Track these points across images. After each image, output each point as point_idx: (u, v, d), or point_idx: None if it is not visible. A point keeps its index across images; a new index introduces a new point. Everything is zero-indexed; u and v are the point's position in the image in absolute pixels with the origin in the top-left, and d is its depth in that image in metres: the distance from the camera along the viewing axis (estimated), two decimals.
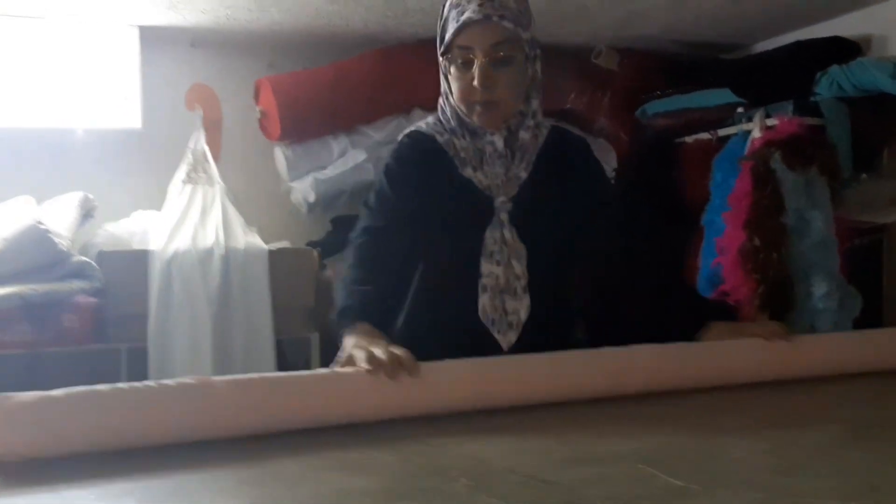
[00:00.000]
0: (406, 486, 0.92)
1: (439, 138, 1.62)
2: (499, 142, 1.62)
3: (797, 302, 2.85)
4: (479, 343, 1.57)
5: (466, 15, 1.53)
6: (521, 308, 1.60)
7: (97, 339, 3.02)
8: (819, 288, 2.81)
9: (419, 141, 1.64)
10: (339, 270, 1.61)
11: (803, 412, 1.37)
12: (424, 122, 1.67)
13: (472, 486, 0.90)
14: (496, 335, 1.59)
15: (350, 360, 1.31)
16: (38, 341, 2.87)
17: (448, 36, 1.56)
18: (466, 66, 1.56)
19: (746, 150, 3.10)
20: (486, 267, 1.59)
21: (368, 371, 1.25)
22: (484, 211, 1.60)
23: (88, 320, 2.98)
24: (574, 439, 1.16)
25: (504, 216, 1.60)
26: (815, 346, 1.68)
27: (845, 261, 2.89)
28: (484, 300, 1.59)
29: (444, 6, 1.59)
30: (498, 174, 1.62)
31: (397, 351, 1.29)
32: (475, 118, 1.60)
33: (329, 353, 3.39)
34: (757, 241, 2.82)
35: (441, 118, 1.65)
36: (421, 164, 1.61)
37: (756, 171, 2.90)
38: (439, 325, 1.59)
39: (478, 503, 0.85)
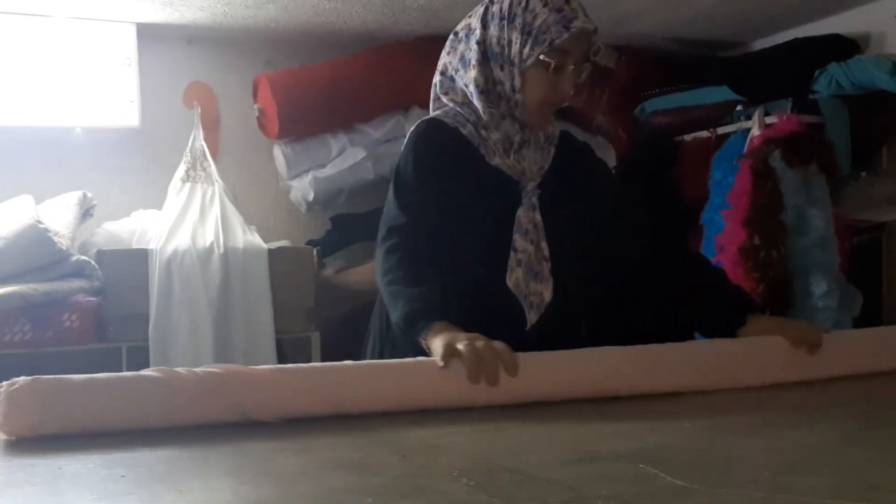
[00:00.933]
0: (406, 486, 0.92)
1: (462, 129, 1.65)
2: (539, 135, 1.71)
3: (797, 300, 2.85)
4: (507, 317, 1.61)
5: (578, 24, 1.60)
6: (545, 290, 1.64)
7: (98, 338, 3.02)
8: (818, 286, 2.81)
9: (442, 131, 1.65)
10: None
11: (803, 412, 1.37)
12: (443, 113, 1.68)
13: (473, 485, 0.90)
14: (526, 310, 1.62)
15: (453, 351, 1.33)
16: (39, 341, 2.87)
17: (552, 38, 1.60)
18: (558, 69, 1.62)
19: (745, 148, 3.10)
20: (520, 243, 1.63)
21: (470, 378, 1.30)
22: (512, 195, 1.64)
23: (89, 319, 2.98)
24: (574, 439, 1.16)
25: (535, 200, 1.65)
26: (836, 347, 1.65)
27: (845, 259, 2.89)
28: (518, 274, 1.62)
29: (523, 3, 1.62)
30: (532, 160, 1.68)
31: (497, 345, 1.34)
32: (537, 117, 1.67)
33: (329, 351, 3.39)
34: (756, 240, 2.83)
35: (468, 109, 1.66)
36: (447, 152, 1.63)
37: (755, 168, 2.91)
38: (470, 298, 1.60)
39: (478, 502, 0.85)
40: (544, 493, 0.87)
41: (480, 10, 1.67)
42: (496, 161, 1.64)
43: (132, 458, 1.08)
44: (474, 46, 1.64)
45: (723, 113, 3.42)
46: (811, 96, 3.20)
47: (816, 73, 3.20)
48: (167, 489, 0.94)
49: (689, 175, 3.45)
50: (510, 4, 1.62)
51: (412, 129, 1.70)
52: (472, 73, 1.64)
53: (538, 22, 1.60)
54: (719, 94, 3.44)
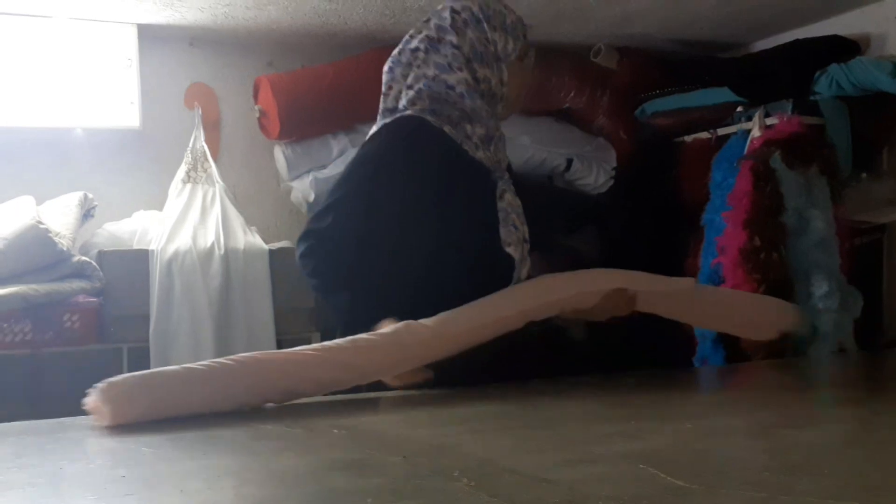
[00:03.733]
0: (407, 486, 0.92)
1: (447, 129, 1.71)
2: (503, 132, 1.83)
3: (797, 301, 2.84)
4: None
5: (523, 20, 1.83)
6: (524, 270, 1.75)
7: (98, 338, 3.02)
8: (819, 288, 2.81)
9: (429, 131, 1.70)
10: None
11: (803, 412, 1.37)
12: (427, 113, 1.72)
13: (473, 485, 0.90)
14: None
15: None
16: (40, 341, 2.87)
17: (522, 32, 1.81)
18: (528, 57, 1.84)
19: (746, 150, 3.10)
20: (517, 222, 1.74)
21: None
22: (491, 184, 1.74)
23: (89, 320, 2.97)
24: (574, 439, 1.16)
25: (512, 187, 1.78)
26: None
27: (846, 260, 2.89)
28: (520, 250, 1.72)
29: (489, 6, 1.79)
30: (503, 154, 1.82)
31: None
32: (511, 108, 1.84)
33: None
34: (757, 241, 2.82)
35: (461, 107, 1.73)
36: (434, 151, 1.69)
37: (756, 170, 2.90)
38: (474, 280, 1.67)
39: (479, 503, 0.85)
40: (544, 493, 0.87)
41: (444, 19, 1.77)
42: (479, 154, 1.73)
43: (132, 458, 1.08)
44: (452, 51, 1.74)
45: (723, 114, 3.42)
46: (812, 98, 3.20)
47: (817, 74, 3.19)
48: (168, 489, 0.94)
49: (690, 176, 3.45)
50: (480, 8, 1.77)
51: (396, 128, 1.73)
52: (460, 74, 1.74)
53: (508, 20, 1.79)
54: (720, 95, 3.44)
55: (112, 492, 0.92)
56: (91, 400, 1.26)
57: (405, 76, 1.77)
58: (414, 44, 1.78)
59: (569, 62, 3.75)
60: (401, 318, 1.54)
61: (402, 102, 1.76)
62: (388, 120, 1.75)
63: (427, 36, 1.77)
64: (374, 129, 1.79)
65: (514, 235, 1.71)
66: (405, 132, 1.70)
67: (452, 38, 1.74)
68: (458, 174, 1.70)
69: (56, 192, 3.26)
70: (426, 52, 1.76)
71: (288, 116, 3.50)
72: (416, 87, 1.75)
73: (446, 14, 1.77)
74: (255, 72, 3.72)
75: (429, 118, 1.71)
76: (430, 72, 1.75)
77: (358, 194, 1.68)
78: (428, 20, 1.80)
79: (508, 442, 1.15)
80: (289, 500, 0.90)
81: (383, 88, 1.80)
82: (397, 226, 1.67)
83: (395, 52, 1.82)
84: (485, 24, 1.76)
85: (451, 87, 1.73)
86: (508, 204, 1.74)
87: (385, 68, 1.82)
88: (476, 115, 1.74)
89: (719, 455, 1.07)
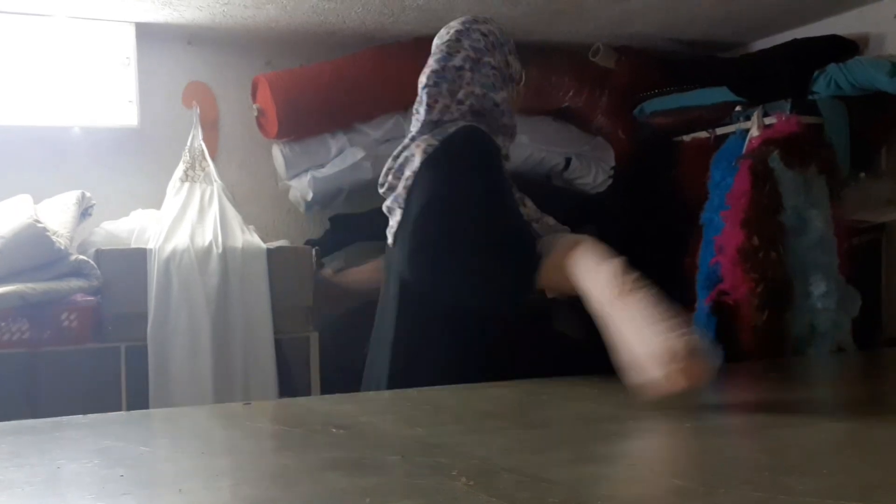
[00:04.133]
0: (405, 485, 0.92)
1: (496, 140, 1.88)
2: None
3: (795, 301, 2.85)
4: None
5: None
6: None
7: (96, 337, 3.01)
8: (817, 287, 2.81)
9: (490, 138, 1.86)
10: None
11: (802, 412, 1.37)
12: (482, 126, 1.87)
13: (472, 485, 0.90)
14: None
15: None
16: (37, 340, 2.87)
17: (519, 56, 1.99)
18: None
19: (744, 149, 3.10)
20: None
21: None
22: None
23: (87, 319, 2.97)
24: (574, 439, 1.16)
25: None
26: None
27: (844, 260, 2.89)
28: None
29: (496, 35, 1.96)
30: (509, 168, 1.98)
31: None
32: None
33: (328, 352, 3.37)
34: (755, 240, 2.82)
35: (500, 122, 1.92)
36: (496, 155, 1.87)
37: (754, 169, 2.90)
38: None
39: (477, 502, 0.85)
40: (544, 493, 0.87)
41: (478, 41, 1.93)
42: (507, 166, 1.92)
43: (130, 457, 1.08)
44: (493, 72, 1.92)
45: (722, 114, 3.42)
46: (810, 97, 3.20)
47: (815, 74, 3.19)
48: (166, 489, 0.94)
49: (688, 175, 3.45)
50: (499, 33, 1.97)
51: (465, 135, 1.83)
52: (503, 93, 1.92)
53: (512, 43, 1.99)
54: (718, 94, 3.44)
55: (110, 491, 0.92)
56: (674, 372, 1.25)
57: (453, 92, 1.90)
58: (457, 62, 1.91)
59: (568, 61, 3.75)
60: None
61: (453, 115, 1.88)
62: (451, 130, 1.84)
63: (468, 56, 1.91)
64: (422, 139, 1.86)
65: (560, 227, 1.93)
66: (478, 140, 1.82)
67: (490, 59, 1.92)
68: (506, 177, 1.87)
69: (54, 190, 3.25)
70: (471, 70, 1.91)
71: (286, 115, 3.50)
72: (468, 102, 1.89)
73: (477, 36, 1.93)
74: (254, 71, 3.72)
75: (485, 128, 1.87)
76: (478, 90, 1.89)
77: (453, 199, 1.77)
78: (459, 40, 1.93)
79: (507, 441, 1.15)
80: (286, 500, 0.90)
81: (427, 100, 1.89)
82: (490, 217, 1.75)
83: (437, 67, 1.92)
84: (505, 48, 1.96)
85: (497, 105, 1.90)
86: (532, 209, 1.93)
87: (430, 82, 1.91)
88: (507, 130, 1.93)
89: (719, 455, 1.07)
